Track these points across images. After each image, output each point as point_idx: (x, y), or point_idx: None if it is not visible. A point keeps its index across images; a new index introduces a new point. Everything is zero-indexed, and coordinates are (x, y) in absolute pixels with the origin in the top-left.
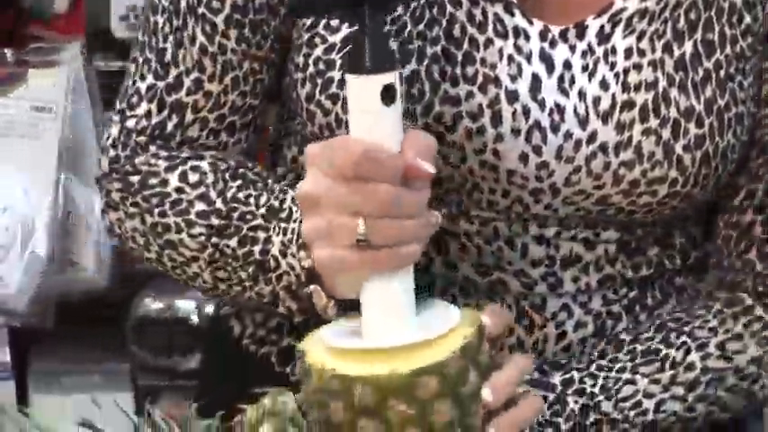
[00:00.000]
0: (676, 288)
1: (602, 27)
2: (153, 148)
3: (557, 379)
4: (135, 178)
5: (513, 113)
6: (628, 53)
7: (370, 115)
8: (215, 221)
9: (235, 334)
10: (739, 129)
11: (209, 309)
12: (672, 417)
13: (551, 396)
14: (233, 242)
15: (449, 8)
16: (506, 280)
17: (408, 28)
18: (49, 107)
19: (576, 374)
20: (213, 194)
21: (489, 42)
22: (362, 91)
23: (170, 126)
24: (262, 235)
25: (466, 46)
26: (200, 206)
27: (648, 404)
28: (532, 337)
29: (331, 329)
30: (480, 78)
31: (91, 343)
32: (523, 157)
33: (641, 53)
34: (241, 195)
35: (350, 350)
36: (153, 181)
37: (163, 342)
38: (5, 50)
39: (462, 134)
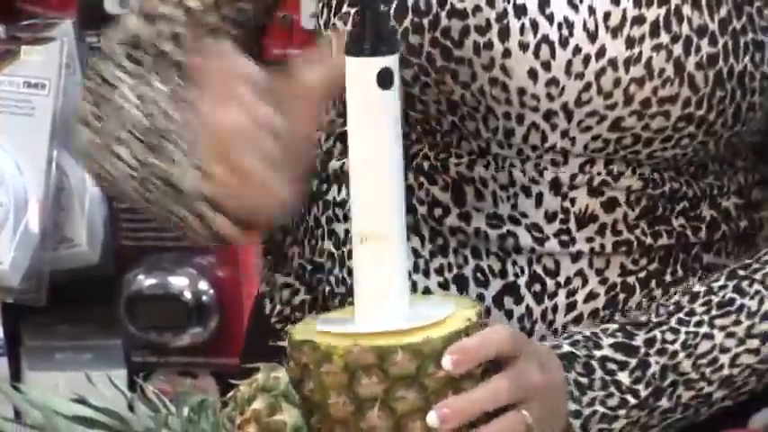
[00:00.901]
0: (703, 266)
1: None
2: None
3: (639, 340)
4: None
5: (521, 27)
6: None
7: (366, 98)
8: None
9: (267, 313)
10: (758, 56)
11: (202, 285)
12: (746, 370)
13: (633, 361)
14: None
15: None
16: (519, 234)
17: None
18: (42, 83)
19: (658, 333)
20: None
21: None
22: (359, 73)
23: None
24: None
25: None
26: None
27: (724, 359)
28: (541, 306)
29: (320, 319)
30: None
31: (84, 319)
32: (533, 74)
33: None
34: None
35: (357, 334)
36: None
37: (155, 319)
38: None
39: (470, 49)
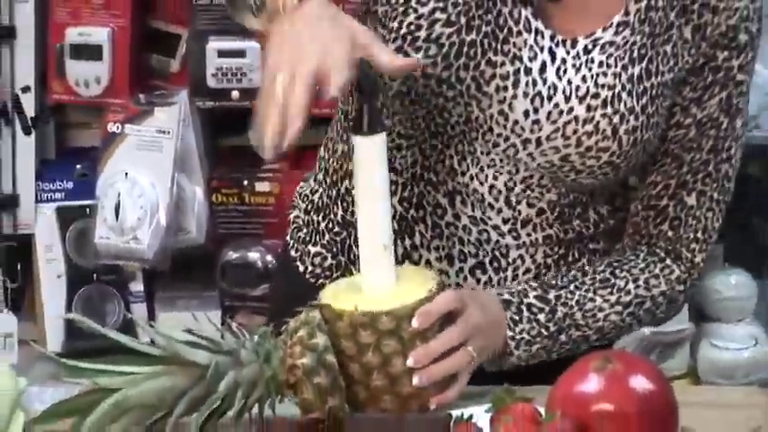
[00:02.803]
0: (590, 251)
1: (585, 46)
2: None
3: (551, 295)
4: None
5: (527, 82)
6: (600, 64)
7: (369, 174)
8: None
9: (300, 271)
10: (657, 131)
11: (268, 258)
12: (611, 325)
13: (547, 308)
14: None
15: (499, 4)
16: (488, 231)
17: (473, 12)
18: (167, 131)
19: (562, 293)
20: None
21: (519, 33)
22: (361, 144)
23: None
24: None
25: (506, 31)
26: None
27: (600, 315)
28: (498, 276)
29: (332, 289)
30: (511, 55)
31: (193, 279)
32: (526, 114)
33: (608, 66)
34: None
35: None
36: None
37: (239, 279)
38: (141, 95)
39: (493, 88)
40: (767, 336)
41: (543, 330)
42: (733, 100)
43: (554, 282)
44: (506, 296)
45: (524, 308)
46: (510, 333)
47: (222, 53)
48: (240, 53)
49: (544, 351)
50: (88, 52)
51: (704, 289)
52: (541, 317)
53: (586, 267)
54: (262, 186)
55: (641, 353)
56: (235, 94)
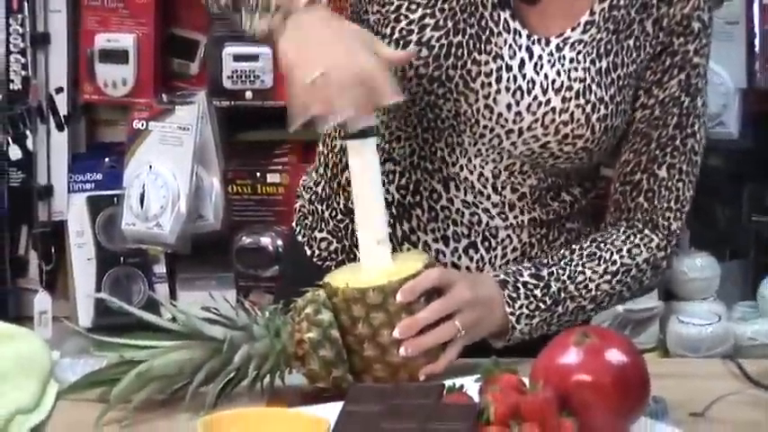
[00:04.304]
0: (566, 230)
1: (558, 44)
2: None
3: (545, 272)
4: None
5: (508, 78)
6: (571, 60)
7: (363, 167)
8: None
9: (308, 255)
10: (625, 117)
11: (279, 242)
12: (604, 294)
13: (542, 284)
14: None
15: (480, 8)
16: (479, 213)
17: (458, 16)
18: (187, 127)
19: (554, 269)
20: None
21: (499, 34)
22: (353, 146)
23: None
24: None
25: (488, 33)
26: None
27: (592, 286)
28: (489, 255)
29: (337, 271)
30: (493, 54)
31: (211, 261)
32: (509, 106)
33: (578, 61)
34: None
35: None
36: None
37: (252, 261)
38: (163, 95)
39: (479, 84)
40: (729, 312)
41: (541, 304)
42: (692, 80)
43: (545, 261)
44: (502, 277)
45: (520, 286)
46: (509, 309)
47: (237, 57)
48: (254, 57)
49: (544, 323)
50: (116, 56)
51: (673, 270)
52: (537, 292)
53: (573, 246)
54: (273, 178)
55: (616, 328)
56: (248, 94)
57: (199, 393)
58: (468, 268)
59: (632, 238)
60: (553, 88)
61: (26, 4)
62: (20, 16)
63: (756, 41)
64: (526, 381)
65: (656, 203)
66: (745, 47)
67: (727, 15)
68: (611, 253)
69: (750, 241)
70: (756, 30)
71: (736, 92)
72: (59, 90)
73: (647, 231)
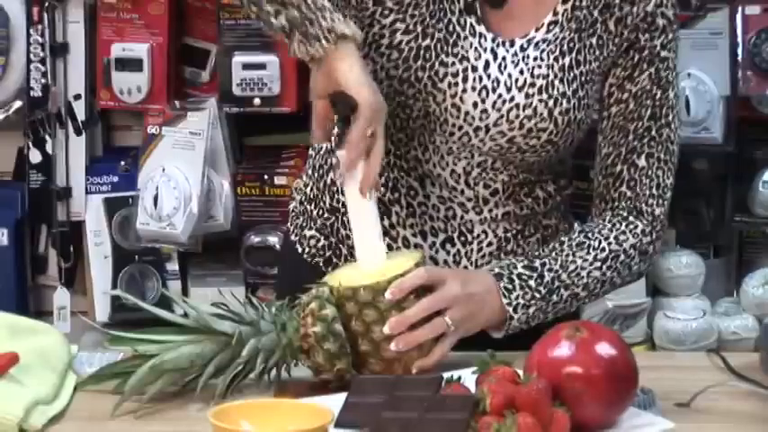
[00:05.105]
0: (542, 226)
1: (522, 45)
2: None
3: (538, 263)
4: None
5: (474, 78)
6: (535, 59)
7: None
8: None
9: (299, 252)
10: (588, 112)
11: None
12: (595, 281)
13: (535, 275)
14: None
15: (449, 14)
16: (454, 208)
17: (427, 21)
18: (199, 132)
19: (546, 260)
20: None
21: (466, 38)
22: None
23: None
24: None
25: (455, 36)
26: None
27: (584, 273)
28: (465, 249)
29: (337, 271)
30: (459, 56)
31: (221, 260)
32: (475, 105)
33: (542, 59)
34: None
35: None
36: None
37: (260, 259)
38: (176, 102)
39: (446, 85)
40: (713, 308)
41: (536, 294)
42: (661, 73)
43: (537, 253)
44: (497, 270)
45: (515, 277)
46: (506, 300)
47: (246, 66)
48: (261, 66)
49: (540, 312)
50: (131, 65)
51: (659, 268)
52: (531, 282)
53: (563, 238)
54: (280, 180)
55: (606, 323)
56: (257, 101)
57: (209, 385)
58: (445, 262)
59: (618, 226)
60: (517, 86)
61: (46, 15)
62: (40, 27)
63: (739, 51)
64: (520, 372)
65: (639, 191)
66: (728, 56)
67: (712, 26)
68: (599, 241)
69: (733, 240)
70: (739, 40)
71: (721, 99)
72: (77, 97)
73: (631, 218)
